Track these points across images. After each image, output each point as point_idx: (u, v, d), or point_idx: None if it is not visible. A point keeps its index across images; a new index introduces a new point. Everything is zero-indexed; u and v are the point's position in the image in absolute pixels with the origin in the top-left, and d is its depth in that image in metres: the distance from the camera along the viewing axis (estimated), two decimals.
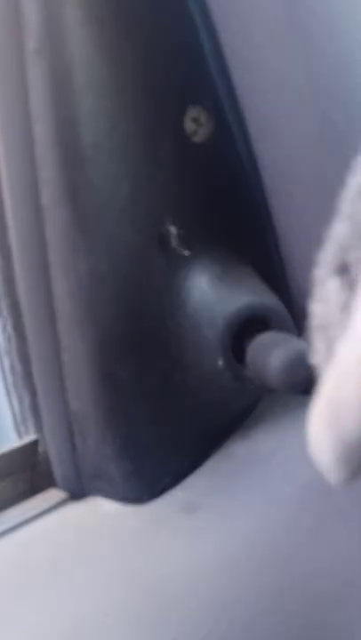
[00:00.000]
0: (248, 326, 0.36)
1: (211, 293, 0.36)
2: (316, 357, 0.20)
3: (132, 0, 0.31)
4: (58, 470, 0.38)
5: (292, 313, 0.38)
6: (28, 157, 0.31)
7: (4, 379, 0.40)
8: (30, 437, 0.40)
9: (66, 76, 0.29)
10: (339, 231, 0.19)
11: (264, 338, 0.35)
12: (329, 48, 0.29)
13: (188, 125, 0.35)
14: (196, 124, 0.35)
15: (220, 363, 0.36)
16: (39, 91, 0.29)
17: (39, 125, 0.30)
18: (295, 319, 0.38)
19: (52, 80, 0.29)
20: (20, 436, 0.41)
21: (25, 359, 0.40)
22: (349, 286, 0.18)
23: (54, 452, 0.38)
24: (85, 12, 0.29)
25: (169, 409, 0.37)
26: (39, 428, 0.41)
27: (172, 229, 0.36)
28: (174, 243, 0.36)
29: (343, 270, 0.18)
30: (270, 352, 0.33)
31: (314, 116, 0.31)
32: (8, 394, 0.40)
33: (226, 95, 0.35)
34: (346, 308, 0.18)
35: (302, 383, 0.32)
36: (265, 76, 0.30)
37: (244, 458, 0.39)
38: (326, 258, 0.19)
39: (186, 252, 0.36)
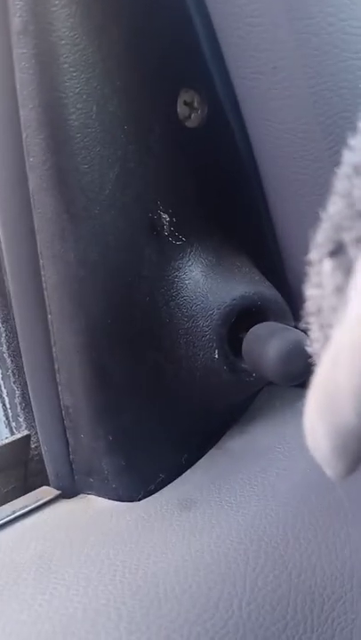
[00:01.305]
0: (244, 317, 0.36)
1: (205, 283, 0.36)
2: (314, 346, 0.20)
3: None
4: (50, 467, 0.38)
5: (289, 302, 0.37)
6: (15, 142, 0.30)
7: None
8: (22, 433, 0.40)
9: (52, 58, 0.29)
10: (334, 211, 0.18)
11: (260, 328, 0.35)
12: (324, 28, 0.28)
13: (181, 109, 0.34)
14: (190, 107, 0.35)
15: (216, 355, 0.35)
16: (25, 72, 0.29)
17: (25, 109, 0.29)
18: (293, 309, 0.37)
19: (38, 61, 0.29)
20: (11, 431, 0.41)
21: (15, 353, 0.40)
22: (345, 268, 0.18)
23: (47, 448, 0.37)
24: None
25: (162, 403, 0.37)
26: (31, 423, 0.40)
27: (164, 216, 0.35)
28: (166, 230, 0.35)
29: (338, 251, 0.18)
30: (267, 343, 0.33)
31: (309, 98, 0.30)
32: None
33: (220, 79, 0.35)
34: (341, 291, 0.18)
35: (300, 375, 0.32)
36: (259, 58, 0.30)
37: (241, 453, 0.39)
38: (320, 239, 0.19)
39: (178, 241, 0.36)
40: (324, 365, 0.17)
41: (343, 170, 0.19)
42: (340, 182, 0.18)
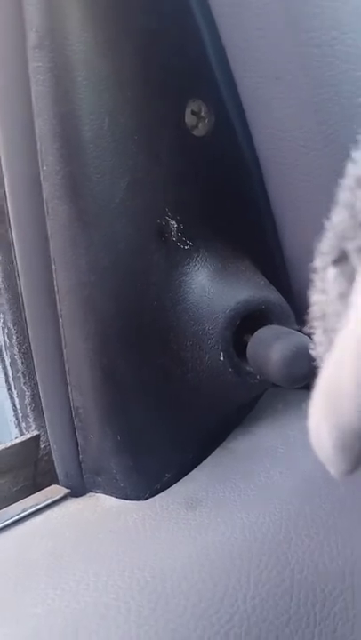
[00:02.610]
0: (248, 320, 0.37)
1: (211, 287, 0.37)
2: (318, 349, 0.21)
3: None
4: (60, 466, 0.39)
5: (292, 306, 0.38)
6: (30, 152, 0.31)
7: (5, 374, 0.41)
8: (32, 433, 0.41)
9: (67, 71, 0.30)
10: (337, 221, 0.19)
11: (265, 332, 0.36)
12: (326, 41, 0.30)
13: (189, 119, 0.36)
14: (197, 117, 0.36)
15: (221, 357, 0.36)
16: (40, 85, 0.30)
17: (40, 120, 0.30)
18: (296, 312, 0.38)
19: (54, 75, 0.30)
20: (21, 431, 0.42)
21: (26, 355, 0.41)
22: (348, 275, 0.19)
23: (56, 448, 0.39)
24: (86, 8, 0.30)
25: (169, 404, 0.38)
26: (40, 424, 0.41)
27: (172, 223, 0.36)
28: (174, 236, 0.36)
29: (342, 260, 0.19)
30: (271, 346, 0.34)
31: (314, 109, 0.31)
32: (9, 389, 0.41)
33: (226, 88, 0.36)
34: (344, 297, 0.19)
35: (304, 377, 0.33)
36: (265, 69, 0.31)
37: (246, 453, 0.40)
38: (325, 248, 0.20)
39: (185, 246, 0.37)
40: (329, 367, 0.18)
41: (346, 182, 0.20)
42: (344, 194, 0.20)
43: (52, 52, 0.29)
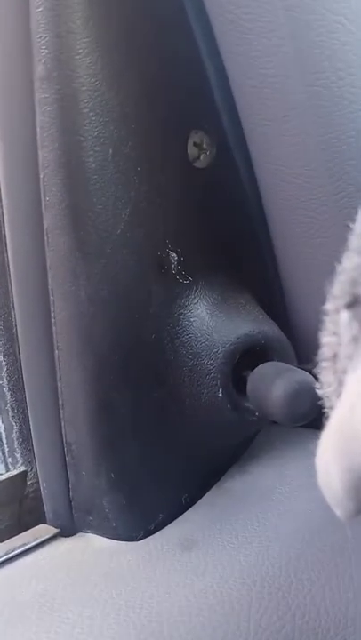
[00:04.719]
0: (248, 356, 0.38)
1: (210, 321, 0.39)
2: (325, 389, 0.23)
3: (138, 29, 0.33)
4: (49, 504, 0.40)
5: (292, 342, 0.40)
6: (32, 181, 0.33)
7: None
8: (19, 469, 0.42)
9: (73, 103, 0.32)
10: (350, 266, 0.21)
11: (265, 368, 0.37)
12: (335, 82, 0.32)
13: (191, 150, 0.38)
14: (199, 149, 0.38)
15: (220, 393, 0.38)
16: (46, 116, 0.32)
17: (45, 150, 0.32)
18: (296, 348, 0.40)
19: (60, 106, 0.32)
20: (7, 467, 0.43)
21: (15, 387, 0.42)
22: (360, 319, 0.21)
23: (46, 485, 0.40)
24: (93, 41, 0.32)
25: (165, 441, 0.39)
26: (28, 459, 0.42)
27: (173, 255, 0.38)
28: (174, 269, 0.38)
29: (355, 304, 0.21)
30: (272, 382, 0.35)
31: (318, 146, 0.34)
32: None
33: (228, 120, 0.38)
34: (357, 340, 0.21)
35: (305, 415, 0.34)
36: (271, 107, 0.33)
37: (242, 493, 0.41)
38: (337, 291, 0.22)
39: (185, 279, 0.39)
40: (341, 409, 0.20)
41: (358, 227, 0.22)
42: (356, 239, 0.22)
43: (59, 84, 0.31)
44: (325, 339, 0.22)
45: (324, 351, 0.22)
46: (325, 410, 0.22)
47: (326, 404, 0.22)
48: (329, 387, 0.23)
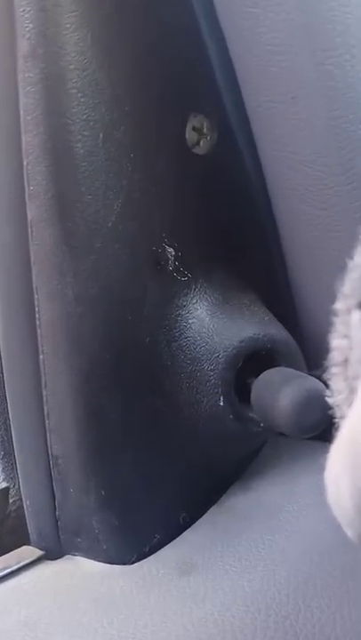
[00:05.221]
0: (253, 361, 0.39)
1: (210, 323, 0.39)
2: (336, 397, 0.23)
3: (131, 2, 0.34)
4: (33, 524, 0.40)
5: (301, 345, 0.40)
6: (15, 169, 0.34)
7: None
8: (0, 485, 0.42)
9: (60, 82, 0.32)
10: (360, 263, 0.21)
11: (271, 374, 0.38)
12: (348, 60, 0.33)
13: (190, 135, 0.38)
14: (198, 133, 0.39)
15: (221, 402, 0.38)
16: (30, 97, 0.32)
17: (28, 135, 0.33)
18: (305, 353, 0.40)
19: (45, 86, 0.32)
20: None
21: None
22: None
23: (29, 503, 0.40)
24: (82, 15, 0.32)
25: (161, 454, 0.39)
26: (10, 475, 0.43)
27: (169, 250, 0.38)
28: (171, 265, 0.39)
29: None
30: (279, 390, 0.36)
31: (330, 130, 0.34)
32: None
33: (231, 103, 0.39)
34: None
35: (315, 426, 0.35)
36: (278, 87, 0.34)
37: (246, 512, 0.41)
38: (348, 290, 0.22)
39: (183, 276, 0.39)
40: (353, 419, 0.20)
41: None
42: None
43: (44, 62, 0.32)
44: (335, 342, 0.22)
45: (334, 355, 0.23)
46: (337, 420, 0.22)
47: (337, 413, 0.23)
48: (340, 394, 0.23)
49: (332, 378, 0.23)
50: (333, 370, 0.23)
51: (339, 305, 0.22)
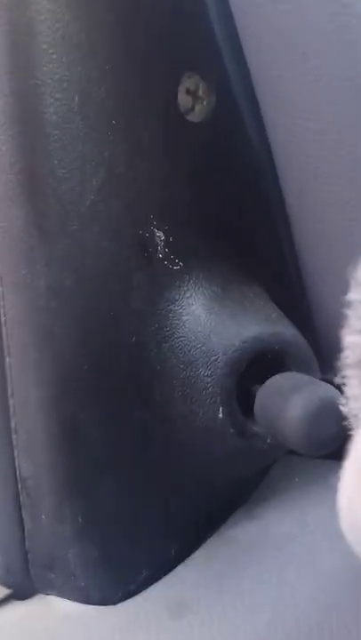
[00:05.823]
0: (257, 365, 0.38)
1: (207, 320, 0.38)
2: (351, 405, 0.22)
3: None
4: None
5: (315, 347, 0.40)
6: None
7: None
8: None
9: (28, 36, 0.32)
10: None
11: (279, 380, 0.37)
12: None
13: (183, 100, 0.37)
14: (193, 97, 0.38)
15: (220, 413, 0.38)
16: None
17: None
18: (319, 355, 0.40)
19: (11, 40, 0.32)
20: None
21: None
22: None
23: None
24: None
25: (150, 476, 0.39)
26: None
27: (158, 234, 0.38)
28: (161, 252, 0.38)
29: None
30: (288, 399, 0.35)
31: (347, 93, 0.33)
32: None
33: (231, 61, 0.38)
34: None
35: (330, 441, 0.34)
36: (287, 42, 0.33)
37: (250, 543, 0.41)
38: None
39: (175, 265, 0.39)
40: None
41: None
42: None
43: (10, 12, 0.31)
44: (349, 338, 0.22)
45: (349, 355, 0.22)
46: (352, 433, 0.22)
47: (353, 424, 0.22)
48: (356, 402, 0.22)
49: (346, 382, 0.22)
50: (348, 372, 0.22)
51: (353, 295, 0.22)
